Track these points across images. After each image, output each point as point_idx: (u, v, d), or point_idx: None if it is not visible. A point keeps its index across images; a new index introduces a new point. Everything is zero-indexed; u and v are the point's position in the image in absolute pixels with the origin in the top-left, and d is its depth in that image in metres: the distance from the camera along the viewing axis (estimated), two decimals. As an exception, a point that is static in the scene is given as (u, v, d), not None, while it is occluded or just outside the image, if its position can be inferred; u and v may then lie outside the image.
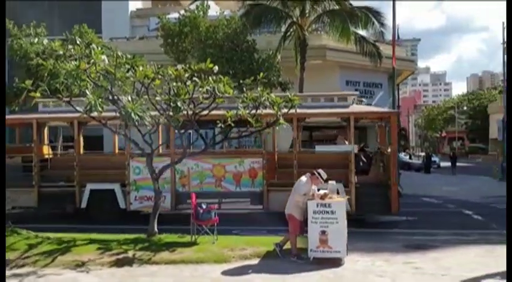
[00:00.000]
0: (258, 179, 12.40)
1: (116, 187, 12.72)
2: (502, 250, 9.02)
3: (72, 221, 12.40)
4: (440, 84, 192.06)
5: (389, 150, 12.56)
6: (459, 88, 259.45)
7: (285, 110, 9.64)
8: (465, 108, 72.98)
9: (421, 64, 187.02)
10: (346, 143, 13.37)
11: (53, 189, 12.98)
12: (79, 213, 12.98)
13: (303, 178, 8.48)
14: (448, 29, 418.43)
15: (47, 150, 14.38)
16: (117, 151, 14.67)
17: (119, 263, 8.11)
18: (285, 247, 8.54)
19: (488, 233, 11.14)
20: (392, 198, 11.86)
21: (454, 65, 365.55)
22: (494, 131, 48.19)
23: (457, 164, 35.99)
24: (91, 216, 12.62)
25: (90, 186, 12.74)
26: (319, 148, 13.81)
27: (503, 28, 31.57)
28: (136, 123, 8.57)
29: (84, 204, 12.79)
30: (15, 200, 12.77)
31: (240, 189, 12.51)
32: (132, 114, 8.16)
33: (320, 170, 8.51)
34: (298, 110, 12.34)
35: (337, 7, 19.64)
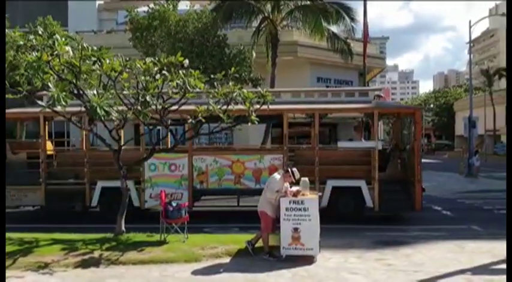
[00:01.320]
0: None
1: (130, 184, 12.11)
2: (472, 245, 9.16)
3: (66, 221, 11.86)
4: (408, 82, 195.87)
5: (407, 146, 12.49)
6: (426, 86, 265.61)
7: (257, 106, 9.46)
8: (432, 105, 74.52)
9: (389, 62, 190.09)
10: (362, 139, 13.21)
11: (62, 186, 12.35)
12: (88, 212, 12.48)
13: (276, 175, 8.34)
14: (416, 28, 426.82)
15: (50, 146, 13.67)
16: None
17: (85, 264, 7.77)
18: (257, 245, 8.38)
19: (458, 229, 11.26)
20: (416, 195, 11.73)
21: (421, 64, 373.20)
22: (460, 128, 49.28)
23: (424, 160, 36.60)
24: (102, 215, 11.99)
25: (101, 184, 12.11)
26: (341, 144, 13.55)
27: (470, 27, 32.23)
28: (103, 118, 8.23)
29: (94, 203, 12.24)
30: (19, 198, 12.19)
31: (260, 186, 12.10)
32: (98, 109, 7.81)
33: (294, 169, 8.39)
34: (319, 106, 12.29)
35: (309, 2, 19.59)
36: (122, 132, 12.08)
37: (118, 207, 9.53)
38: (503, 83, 62.32)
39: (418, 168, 11.83)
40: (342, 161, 12.17)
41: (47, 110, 8.89)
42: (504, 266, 7.72)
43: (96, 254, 8.23)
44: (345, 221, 11.52)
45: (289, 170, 8.32)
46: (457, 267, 7.58)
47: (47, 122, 12.99)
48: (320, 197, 11.61)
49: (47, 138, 13.01)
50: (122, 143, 10.00)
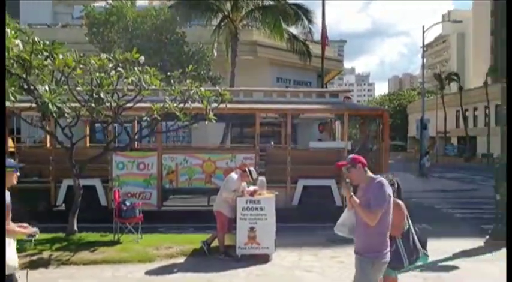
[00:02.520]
0: None
1: (97, 183, 11.74)
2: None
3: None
4: (365, 84, 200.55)
5: (374, 147, 12.71)
6: (381, 89, 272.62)
7: (215, 105, 9.41)
8: (386, 107, 76.58)
9: (347, 65, 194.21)
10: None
11: (24, 185, 11.78)
12: (53, 211, 11.92)
13: (234, 175, 8.33)
14: (373, 33, 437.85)
15: (11, 143, 13.00)
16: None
17: (33, 265, 7.47)
18: (212, 245, 8.36)
19: (409, 227, 11.57)
20: None
21: (377, 67, 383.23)
22: (413, 129, 50.86)
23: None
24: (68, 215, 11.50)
25: (67, 182, 11.54)
26: (313, 144, 13.63)
27: (423, 32, 33.34)
28: (55, 114, 7.97)
29: (60, 202, 11.74)
30: None
31: None
32: (50, 105, 7.55)
33: (252, 168, 8.43)
34: (292, 106, 12.30)
35: (270, 3, 19.71)
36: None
37: (85, 206, 9.22)
38: (454, 87, 64.83)
39: (385, 168, 12.13)
40: (313, 160, 12.29)
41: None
42: (451, 262, 8.06)
43: (45, 254, 7.97)
44: (300, 220, 11.63)
45: (247, 169, 8.33)
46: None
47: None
48: (291, 196, 11.82)
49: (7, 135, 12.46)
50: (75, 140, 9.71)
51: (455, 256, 8.50)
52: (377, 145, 13.32)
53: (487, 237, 9.56)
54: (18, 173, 4.56)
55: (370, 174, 4.46)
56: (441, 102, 53.39)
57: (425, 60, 37.87)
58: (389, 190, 4.33)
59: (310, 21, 20.00)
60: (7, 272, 4.16)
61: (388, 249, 4.39)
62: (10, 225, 4.24)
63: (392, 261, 4.52)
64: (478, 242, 9.44)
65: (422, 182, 25.69)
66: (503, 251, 8.83)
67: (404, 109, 74.07)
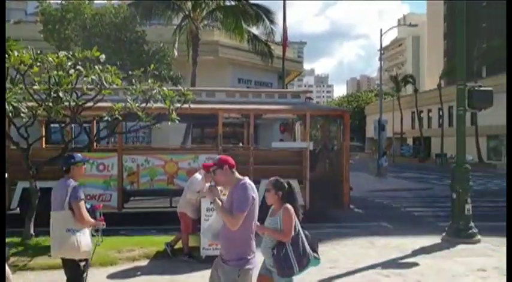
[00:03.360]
0: None
1: (54, 185, 11.07)
2: (382, 241, 9.67)
3: None
4: (324, 86, 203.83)
5: (334, 147, 12.83)
6: (340, 90, 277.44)
7: (178, 105, 9.28)
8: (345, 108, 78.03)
9: (306, 66, 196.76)
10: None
11: None
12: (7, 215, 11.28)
13: (198, 175, 8.23)
14: (332, 35, 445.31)
15: None
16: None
17: (-13, 272, 7.17)
18: (176, 246, 8.25)
19: (369, 226, 11.84)
20: (344, 193, 12.10)
21: (335, 69, 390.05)
22: (370, 130, 52.05)
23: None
24: (23, 219, 10.94)
25: (21, 185, 11.00)
26: (275, 144, 13.55)
27: (381, 36, 34.18)
28: (10, 114, 7.66)
29: (14, 205, 11.18)
30: None
31: None
32: (6, 105, 7.25)
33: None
34: (254, 106, 12.22)
35: (231, 3, 19.67)
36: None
37: (41, 209, 8.82)
38: (409, 89, 66.71)
39: (346, 168, 12.32)
40: (276, 161, 12.33)
41: None
42: (411, 259, 8.28)
43: (0, 260, 7.63)
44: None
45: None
46: (368, 262, 7.96)
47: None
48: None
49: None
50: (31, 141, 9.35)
51: (415, 253, 8.73)
52: (337, 145, 13.52)
53: (444, 234, 9.88)
54: (85, 166, 5.24)
55: (237, 175, 4.28)
56: (397, 104, 54.91)
57: (382, 63, 38.77)
58: (253, 193, 4.15)
59: (271, 21, 20.11)
60: (86, 256, 5.01)
61: (254, 254, 4.22)
62: (87, 217, 5.00)
63: (283, 268, 4.39)
64: (435, 239, 9.73)
65: (379, 181, 26.30)
66: (460, 247, 9.19)
67: (362, 110, 75.72)
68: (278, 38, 24.66)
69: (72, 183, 5.03)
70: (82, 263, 5.04)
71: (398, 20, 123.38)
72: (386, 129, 32.87)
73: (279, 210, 4.54)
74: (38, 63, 7.86)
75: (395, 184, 24.64)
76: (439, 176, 29.62)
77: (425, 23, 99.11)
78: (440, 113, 50.84)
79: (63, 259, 5.07)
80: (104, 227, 5.27)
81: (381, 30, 34.09)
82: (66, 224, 4.93)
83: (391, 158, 45.29)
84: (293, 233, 4.48)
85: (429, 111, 58.29)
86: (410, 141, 62.94)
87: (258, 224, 4.41)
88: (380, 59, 38.44)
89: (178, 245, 8.23)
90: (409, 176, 30.65)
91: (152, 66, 9.43)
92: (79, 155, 5.32)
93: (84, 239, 4.97)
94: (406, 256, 8.50)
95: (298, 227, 4.57)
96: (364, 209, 14.99)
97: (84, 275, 5.13)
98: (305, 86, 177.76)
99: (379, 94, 39.68)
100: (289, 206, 4.52)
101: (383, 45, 37.25)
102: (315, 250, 4.63)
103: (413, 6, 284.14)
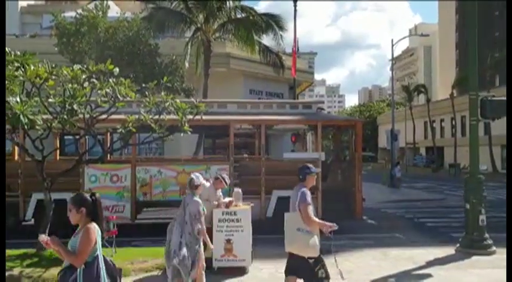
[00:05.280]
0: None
1: (68, 197, 11.18)
2: (395, 252, 9.60)
3: None
4: (335, 96, 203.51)
5: (347, 157, 12.74)
6: (351, 100, 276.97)
7: (190, 116, 9.37)
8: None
9: (317, 77, 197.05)
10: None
11: None
12: (22, 227, 11.49)
13: (206, 183, 8.26)
14: (342, 45, 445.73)
15: None
16: None
17: (3, 282, 7.27)
18: (188, 257, 8.25)
19: (382, 237, 11.76)
20: (357, 204, 12.08)
21: (347, 79, 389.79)
22: (383, 140, 51.90)
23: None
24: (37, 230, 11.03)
25: (36, 196, 11.17)
26: (287, 155, 13.58)
27: (392, 46, 34.14)
28: (26, 126, 7.79)
29: (29, 217, 11.32)
30: None
31: None
32: (22, 117, 7.38)
33: (225, 175, 8.39)
34: (266, 117, 12.32)
35: (242, 15, 19.81)
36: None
37: (56, 221, 8.94)
38: (421, 99, 66.43)
39: (358, 179, 12.27)
40: (287, 171, 12.33)
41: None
42: (425, 271, 8.21)
43: (16, 271, 7.73)
44: (275, 231, 11.62)
45: (220, 176, 8.29)
46: (382, 274, 7.91)
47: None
48: (265, 208, 11.79)
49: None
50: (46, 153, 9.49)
51: (429, 264, 8.65)
52: (350, 155, 13.48)
53: (458, 245, 9.78)
54: (315, 176, 5.85)
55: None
56: (410, 114, 54.62)
57: (393, 73, 38.69)
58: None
59: (281, 28, 20.07)
60: (313, 255, 5.53)
61: None
62: (313, 218, 5.50)
63: None
64: (449, 250, 9.63)
65: (392, 192, 26.12)
66: (474, 258, 9.09)
67: (374, 120, 75.42)
68: (289, 49, 24.80)
69: (304, 189, 5.65)
70: (311, 260, 5.51)
71: (410, 30, 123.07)
72: (399, 139, 32.68)
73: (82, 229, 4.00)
74: (53, 77, 8.01)
75: (408, 194, 24.43)
76: (452, 186, 29.31)
77: (437, 32, 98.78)
78: (453, 122, 50.45)
79: (293, 254, 5.58)
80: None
81: (392, 40, 34.00)
82: (296, 223, 5.53)
83: (404, 168, 44.96)
84: (89, 258, 3.94)
85: (442, 120, 57.89)
86: (423, 151, 62.46)
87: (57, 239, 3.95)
88: (391, 69, 38.37)
89: (191, 256, 8.22)
90: (422, 186, 30.37)
91: (165, 78, 9.55)
92: (312, 166, 5.91)
93: (311, 239, 5.46)
94: (419, 267, 8.43)
95: (99, 251, 4.00)
96: (377, 219, 14.90)
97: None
98: (316, 96, 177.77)
99: (391, 104, 39.49)
100: (92, 225, 3.98)
101: (394, 55, 37.20)
102: (114, 280, 4.11)
103: (425, 16, 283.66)
